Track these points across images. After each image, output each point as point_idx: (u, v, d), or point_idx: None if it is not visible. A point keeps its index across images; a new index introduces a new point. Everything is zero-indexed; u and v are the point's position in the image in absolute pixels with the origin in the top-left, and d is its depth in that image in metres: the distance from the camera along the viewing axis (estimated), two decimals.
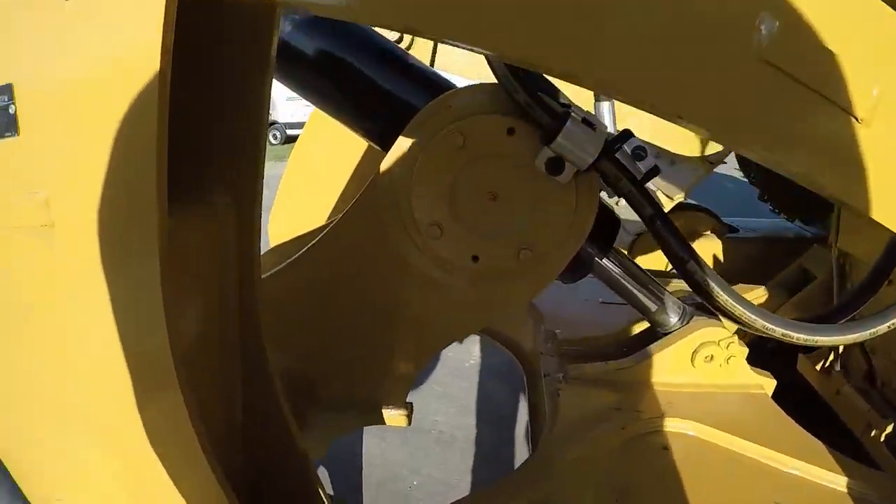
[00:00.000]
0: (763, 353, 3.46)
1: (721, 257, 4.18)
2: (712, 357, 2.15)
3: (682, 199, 3.66)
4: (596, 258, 1.97)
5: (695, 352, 2.14)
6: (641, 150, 1.66)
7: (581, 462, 1.82)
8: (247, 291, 1.40)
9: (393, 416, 2.04)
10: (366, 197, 1.74)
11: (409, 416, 2.04)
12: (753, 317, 1.80)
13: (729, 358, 2.16)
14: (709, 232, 4.31)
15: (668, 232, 1.70)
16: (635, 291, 2.10)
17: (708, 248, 4.18)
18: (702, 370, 2.17)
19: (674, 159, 3.54)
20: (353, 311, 1.91)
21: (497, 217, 1.65)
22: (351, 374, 1.99)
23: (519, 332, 2.79)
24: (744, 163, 4.63)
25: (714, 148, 3.45)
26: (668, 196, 3.82)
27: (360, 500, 4.15)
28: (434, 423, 4.86)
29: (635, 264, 2.13)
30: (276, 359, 1.88)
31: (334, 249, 1.84)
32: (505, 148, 1.57)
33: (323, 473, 4.34)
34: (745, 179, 5.07)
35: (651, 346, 2.18)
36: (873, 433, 2.96)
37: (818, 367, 3.46)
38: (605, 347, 2.41)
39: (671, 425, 1.98)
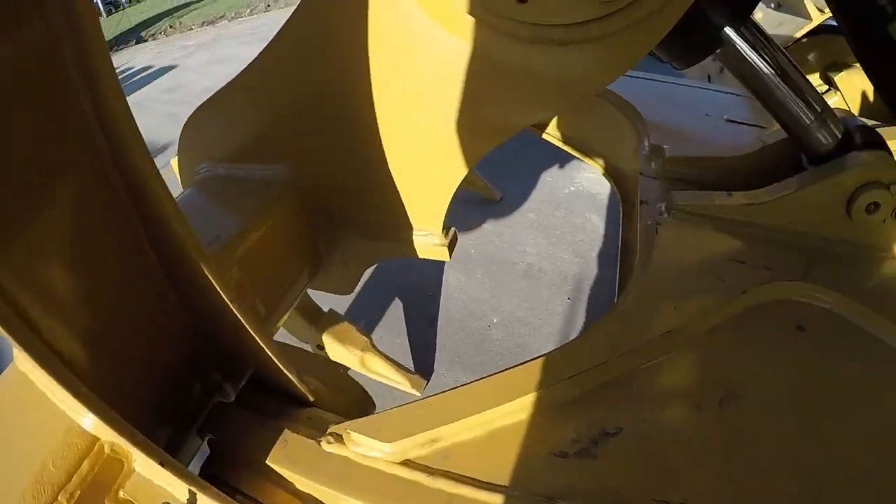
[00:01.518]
0: None
1: (871, 97, 3.44)
2: (877, 206, 1.55)
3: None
4: (726, 28, 1.37)
5: (853, 195, 1.55)
6: None
7: (674, 339, 1.34)
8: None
9: (428, 245, 1.65)
10: None
11: (451, 246, 1.65)
12: None
13: None
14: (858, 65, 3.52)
15: None
16: (782, 92, 1.51)
17: (856, 84, 3.40)
18: (860, 223, 1.58)
19: None
20: (354, 103, 1.48)
21: None
22: (369, 187, 1.60)
23: (616, 147, 2.20)
24: None
25: None
26: (818, 8, 3.28)
27: (434, 337, 3.90)
28: (523, 255, 4.49)
29: (783, 51, 1.51)
30: (285, 173, 1.56)
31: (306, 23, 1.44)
32: None
33: (397, 304, 4.13)
34: None
35: (792, 178, 1.62)
36: None
37: None
38: (729, 174, 1.85)
39: (811, 295, 1.46)
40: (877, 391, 1.25)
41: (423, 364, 3.76)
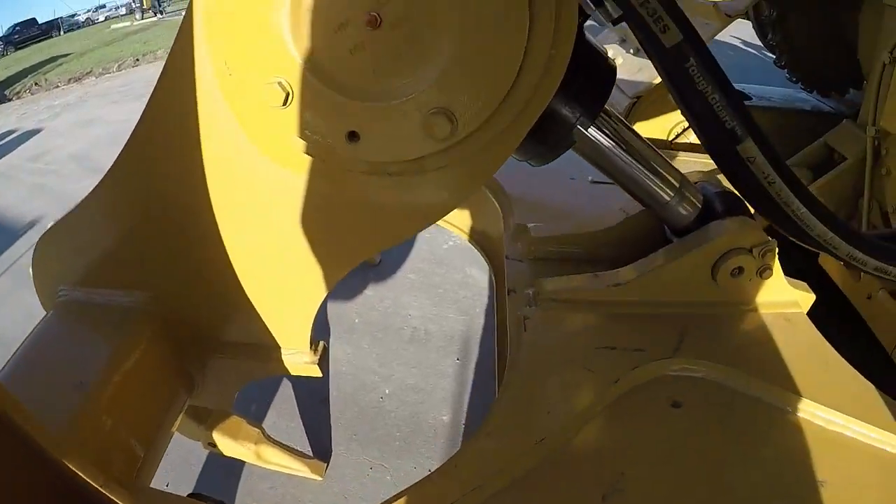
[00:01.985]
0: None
1: None
2: (741, 270, 1.59)
3: None
4: (579, 126, 1.33)
5: (718, 262, 1.58)
6: None
7: (550, 445, 1.28)
8: None
9: (298, 364, 1.57)
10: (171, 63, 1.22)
11: (323, 361, 1.58)
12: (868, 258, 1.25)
13: (763, 270, 1.59)
14: None
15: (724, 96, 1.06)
16: (638, 174, 1.51)
17: None
18: (726, 287, 1.61)
19: None
20: (200, 225, 1.40)
21: (383, 57, 1.06)
22: (230, 311, 1.51)
23: (482, 226, 2.18)
24: (762, 24, 4.06)
25: None
26: None
27: (328, 416, 3.76)
28: (407, 319, 4.42)
29: (637, 134, 1.52)
30: (145, 301, 1.46)
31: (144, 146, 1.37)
32: None
33: (286, 385, 3.98)
34: (746, 48, 4.46)
35: (657, 253, 1.63)
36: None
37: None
38: (595, 247, 1.85)
39: (683, 367, 1.47)
40: (753, 448, 1.27)
41: (319, 445, 3.62)
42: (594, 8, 1.18)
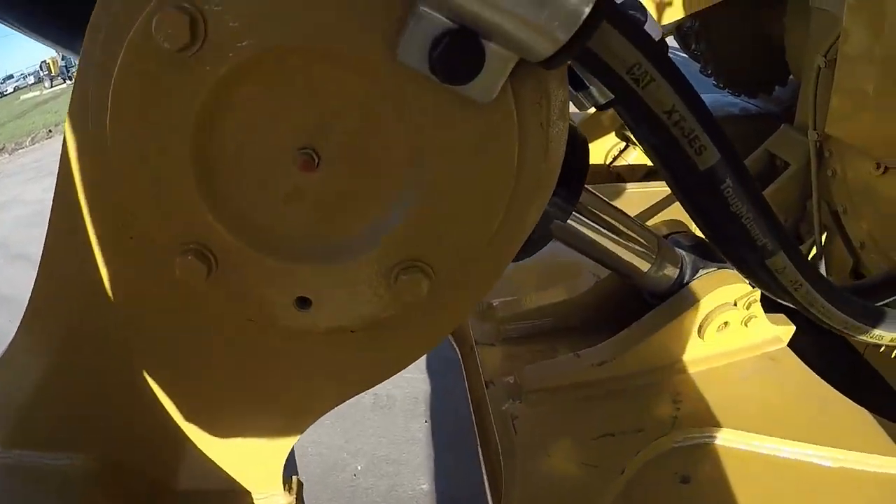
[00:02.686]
0: None
1: None
2: (727, 324, 1.54)
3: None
4: (557, 220, 1.15)
5: (704, 321, 1.51)
6: (637, 12, 1.00)
7: None
8: None
9: None
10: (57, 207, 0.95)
11: (299, 500, 1.39)
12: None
13: (748, 320, 1.56)
14: None
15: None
16: (615, 252, 1.40)
17: None
18: (712, 342, 1.56)
19: None
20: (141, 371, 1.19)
21: (328, 205, 0.82)
22: (186, 459, 1.31)
23: None
24: (684, 36, 4.07)
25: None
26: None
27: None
28: None
29: (611, 207, 1.39)
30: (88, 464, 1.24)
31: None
32: (307, 23, 0.68)
33: None
34: (673, 53, 4.45)
35: (640, 323, 1.53)
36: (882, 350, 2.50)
37: None
38: (567, 316, 1.73)
39: (686, 439, 1.42)
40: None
41: None
42: (575, 93, 1.04)
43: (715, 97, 4.34)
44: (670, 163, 0.81)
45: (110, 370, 1.20)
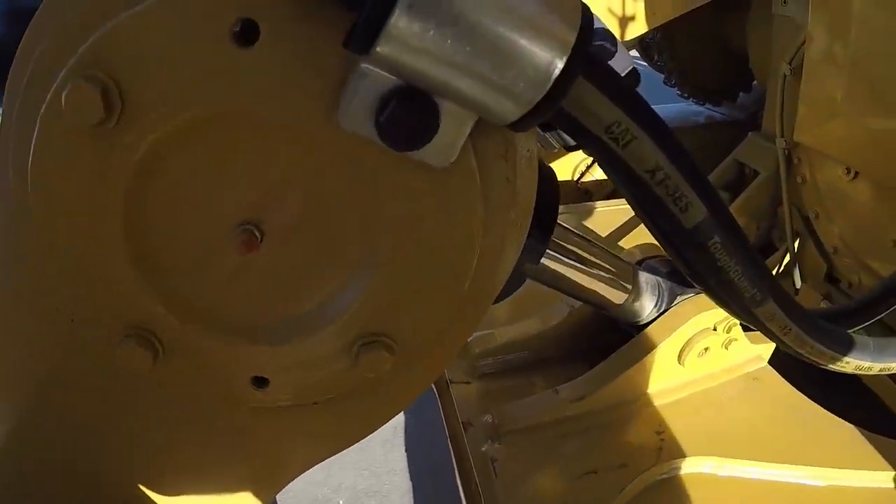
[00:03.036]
0: None
1: None
2: (707, 349, 1.50)
3: None
4: (529, 262, 1.08)
5: (684, 348, 1.48)
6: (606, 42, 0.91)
7: None
8: None
9: None
10: None
11: None
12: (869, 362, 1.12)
13: (729, 343, 1.53)
14: None
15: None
16: (590, 284, 1.33)
17: None
18: (692, 367, 1.53)
19: None
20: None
21: (277, 282, 0.73)
22: None
23: None
24: (646, 47, 4.08)
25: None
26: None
27: None
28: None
29: (583, 238, 1.32)
30: None
31: None
32: (231, 90, 0.60)
33: None
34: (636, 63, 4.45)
35: (619, 352, 1.49)
36: None
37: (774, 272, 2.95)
38: (543, 348, 1.68)
39: (671, 470, 1.39)
40: None
41: None
42: (542, 133, 0.98)
43: (679, 107, 4.33)
44: (654, 219, 0.75)
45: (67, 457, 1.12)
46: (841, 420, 1.52)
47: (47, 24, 0.63)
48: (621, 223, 2.45)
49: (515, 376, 1.65)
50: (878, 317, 1.23)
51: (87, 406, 0.95)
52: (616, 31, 2.84)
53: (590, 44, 0.53)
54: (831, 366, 1.10)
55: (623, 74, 0.91)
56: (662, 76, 4.23)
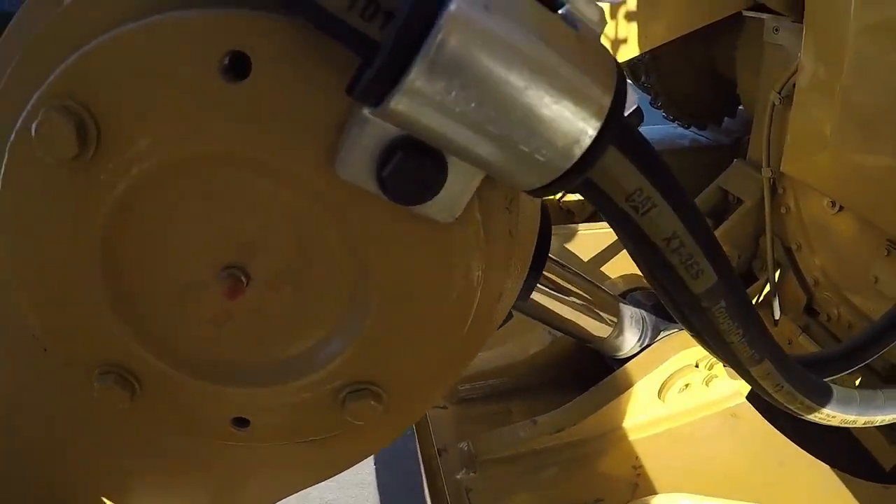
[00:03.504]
0: None
1: None
2: (688, 385, 1.49)
3: None
4: (519, 300, 0.99)
5: (665, 384, 1.46)
6: None
7: None
8: None
9: None
10: None
11: None
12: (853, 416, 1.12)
13: (710, 379, 1.51)
14: None
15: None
16: (576, 321, 1.29)
17: None
18: (672, 403, 1.51)
19: None
20: None
21: (260, 327, 0.69)
22: None
23: None
24: (633, 68, 4.08)
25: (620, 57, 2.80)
26: None
27: None
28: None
29: (570, 271, 1.29)
30: None
31: None
32: (220, 129, 0.55)
33: None
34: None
35: (600, 385, 1.46)
36: None
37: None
38: (522, 376, 1.66)
39: None
40: None
41: None
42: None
43: (665, 129, 4.35)
44: (662, 282, 0.72)
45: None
46: (816, 460, 1.52)
47: (16, 40, 0.58)
48: (604, 247, 2.42)
49: (493, 403, 1.62)
50: (865, 363, 1.23)
51: (51, 427, 0.92)
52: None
53: (624, 108, 0.49)
54: (818, 419, 1.09)
55: (630, 110, 0.88)
56: (649, 97, 4.24)
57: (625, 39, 2.88)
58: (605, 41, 2.82)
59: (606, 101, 0.47)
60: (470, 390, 1.63)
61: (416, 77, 0.42)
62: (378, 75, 0.43)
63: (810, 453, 1.54)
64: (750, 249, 3.12)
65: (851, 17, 2.15)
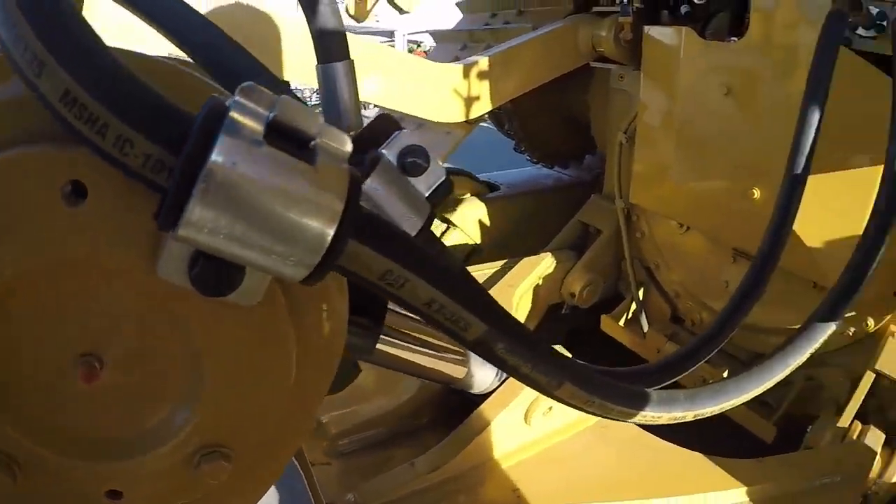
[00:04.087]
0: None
1: (489, 222, 3.76)
2: (551, 408, 1.60)
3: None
4: (362, 352, 1.14)
5: (529, 409, 1.57)
6: (419, 159, 0.95)
7: None
8: None
9: None
10: None
11: None
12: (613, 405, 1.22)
13: None
14: (468, 195, 3.81)
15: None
16: (428, 363, 1.38)
17: (472, 214, 3.71)
18: (539, 425, 1.61)
19: (420, 122, 3.04)
20: None
21: (116, 404, 0.78)
22: None
23: None
24: (497, 116, 4.26)
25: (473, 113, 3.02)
26: None
27: None
28: None
29: (416, 319, 1.36)
30: None
31: None
32: (53, 245, 0.65)
33: None
34: (492, 126, 4.63)
35: (467, 422, 1.55)
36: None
37: (622, 323, 3.21)
38: (397, 421, 1.76)
39: None
40: None
41: None
42: None
43: (530, 171, 4.56)
44: (444, 333, 0.84)
45: None
46: (687, 450, 1.63)
47: None
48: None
49: (375, 453, 1.69)
50: (680, 377, 1.38)
51: None
52: (462, 111, 2.96)
53: (357, 211, 0.62)
54: (643, 421, 1.22)
55: (435, 185, 0.99)
56: (513, 143, 4.44)
57: (478, 97, 3.03)
58: (457, 99, 2.99)
59: (339, 206, 0.60)
60: (350, 444, 1.70)
61: (191, 214, 0.55)
62: (165, 213, 0.56)
63: (698, 449, 1.65)
64: (614, 274, 3.36)
65: (681, 64, 2.43)
